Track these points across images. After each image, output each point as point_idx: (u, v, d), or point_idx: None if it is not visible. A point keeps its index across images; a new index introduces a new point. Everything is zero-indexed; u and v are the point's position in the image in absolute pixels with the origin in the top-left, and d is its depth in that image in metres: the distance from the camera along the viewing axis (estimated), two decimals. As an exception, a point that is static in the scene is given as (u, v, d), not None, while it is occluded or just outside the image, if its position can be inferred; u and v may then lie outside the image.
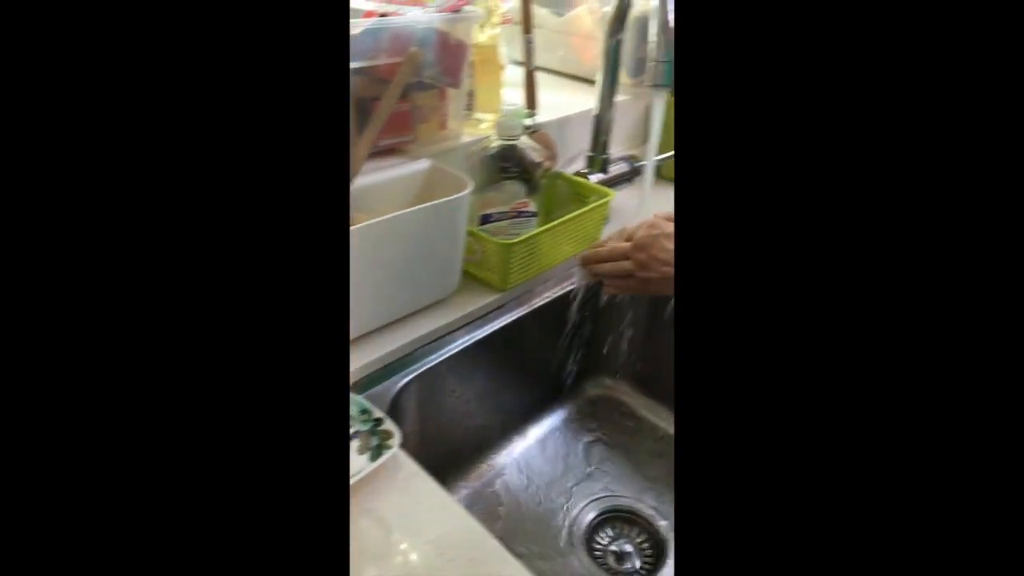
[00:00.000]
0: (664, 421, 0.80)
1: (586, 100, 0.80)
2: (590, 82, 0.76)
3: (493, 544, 0.41)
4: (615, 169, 0.80)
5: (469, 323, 0.64)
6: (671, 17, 0.58)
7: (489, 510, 0.68)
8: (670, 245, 0.53)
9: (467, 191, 0.58)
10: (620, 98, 0.85)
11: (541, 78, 0.96)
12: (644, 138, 0.80)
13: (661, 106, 0.64)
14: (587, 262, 0.62)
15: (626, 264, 0.57)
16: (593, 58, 0.74)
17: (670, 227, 0.54)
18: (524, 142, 0.64)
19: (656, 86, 0.62)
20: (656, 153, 0.66)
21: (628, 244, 0.56)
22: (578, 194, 0.75)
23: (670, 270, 0.53)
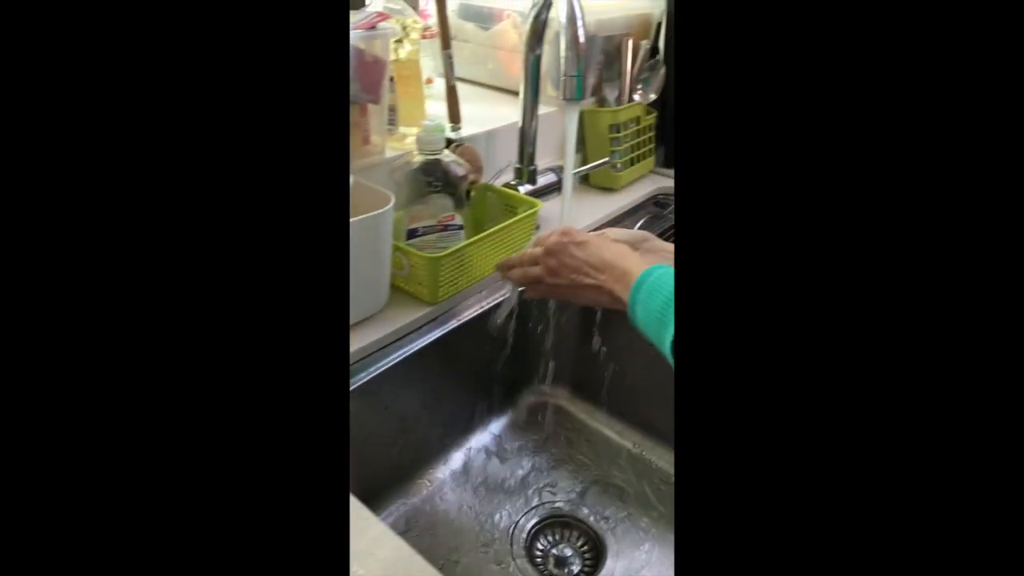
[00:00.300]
0: (602, 425, 0.81)
1: (515, 112, 0.82)
2: (519, 94, 0.77)
3: (419, 562, 0.41)
4: (544, 180, 0.82)
5: (401, 338, 0.64)
6: (580, 33, 0.60)
7: (429, 525, 0.68)
8: (579, 253, 0.54)
9: (389, 206, 0.58)
10: (548, 110, 0.87)
11: (471, 91, 0.97)
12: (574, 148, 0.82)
13: (575, 118, 0.65)
14: (502, 268, 0.63)
15: (535, 270, 0.58)
16: (520, 71, 0.75)
17: (581, 236, 0.56)
18: (447, 156, 0.65)
19: (568, 99, 0.63)
20: (574, 163, 0.68)
21: (539, 250, 0.57)
22: (508, 205, 0.76)
23: (578, 277, 0.54)
